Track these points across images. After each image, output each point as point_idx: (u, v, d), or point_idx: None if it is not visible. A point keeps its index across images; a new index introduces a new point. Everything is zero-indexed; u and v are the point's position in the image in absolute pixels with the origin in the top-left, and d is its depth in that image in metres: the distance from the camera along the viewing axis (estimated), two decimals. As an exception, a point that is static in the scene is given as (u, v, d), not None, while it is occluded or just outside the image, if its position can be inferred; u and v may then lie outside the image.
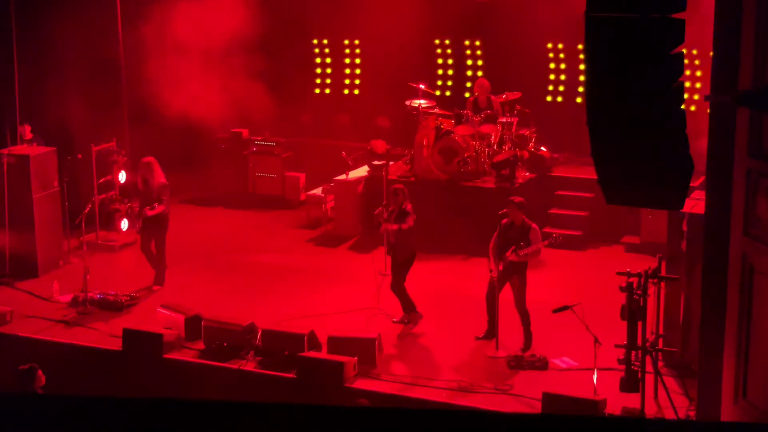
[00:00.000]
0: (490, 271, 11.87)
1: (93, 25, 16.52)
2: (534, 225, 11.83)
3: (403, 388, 10.98)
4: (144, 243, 13.88)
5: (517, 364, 11.27)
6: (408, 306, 12.52)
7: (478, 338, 12.07)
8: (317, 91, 19.45)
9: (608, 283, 11.62)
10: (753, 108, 7.10)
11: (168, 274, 14.06)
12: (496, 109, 16.04)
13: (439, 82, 18.52)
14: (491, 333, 11.97)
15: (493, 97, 16.17)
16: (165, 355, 11.78)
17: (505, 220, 11.79)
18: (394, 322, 12.54)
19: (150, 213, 13.46)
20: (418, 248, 12.65)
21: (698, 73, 16.20)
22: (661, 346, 10.46)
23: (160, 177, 13.62)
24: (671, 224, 11.17)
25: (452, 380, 11.04)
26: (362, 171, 16.50)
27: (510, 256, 11.59)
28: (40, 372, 9.56)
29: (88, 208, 13.86)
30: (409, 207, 12.45)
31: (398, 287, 12.48)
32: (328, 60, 19.35)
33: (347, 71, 19.25)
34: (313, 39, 19.18)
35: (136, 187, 13.98)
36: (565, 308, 10.63)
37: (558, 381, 10.83)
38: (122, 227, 15.70)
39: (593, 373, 10.24)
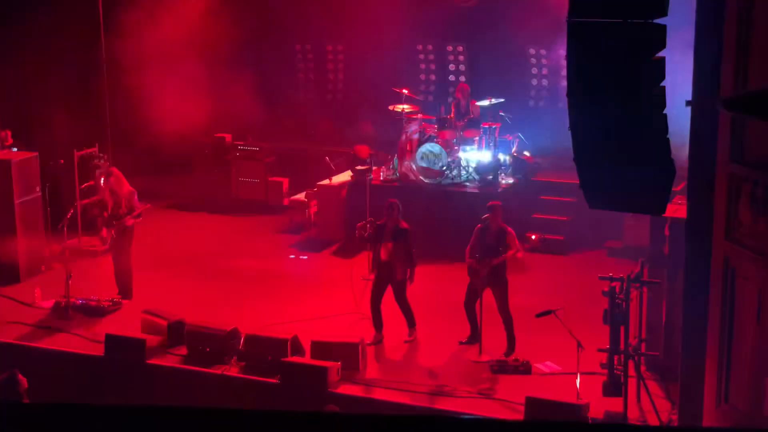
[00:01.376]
0: (469, 273, 11.88)
1: (76, 30, 16.45)
2: (509, 229, 11.84)
3: (387, 393, 10.96)
4: (114, 254, 13.62)
5: (501, 368, 11.28)
6: (411, 320, 12.27)
7: (461, 343, 12.07)
8: (301, 95, 19.43)
9: (591, 287, 11.66)
10: (745, 113, 7.11)
11: (150, 280, 14.00)
12: (475, 114, 16.06)
13: (422, 87, 18.54)
14: (474, 338, 11.99)
15: (473, 101, 16.20)
16: (148, 361, 11.73)
17: (480, 225, 11.83)
18: (406, 342, 12.21)
19: (130, 222, 13.35)
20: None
21: (679, 78, 16.24)
22: (643, 350, 10.49)
23: (126, 185, 13.49)
24: (653, 229, 11.21)
25: (436, 385, 11.05)
26: (345, 176, 16.50)
27: (489, 262, 11.63)
28: (20, 376, 9.49)
29: (70, 214, 13.78)
30: (405, 224, 12.01)
31: (403, 301, 12.12)
32: (312, 65, 19.33)
33: (330, 76, 19.25)
34: (296, 44, 19.16)
35: (103, 201, 13.70)
36: (548, 313, 10.65)
37: (541, 385, 10.84)
38: (105, 234, 15.63)
39: (576, 378, 10.26)
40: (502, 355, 11.67)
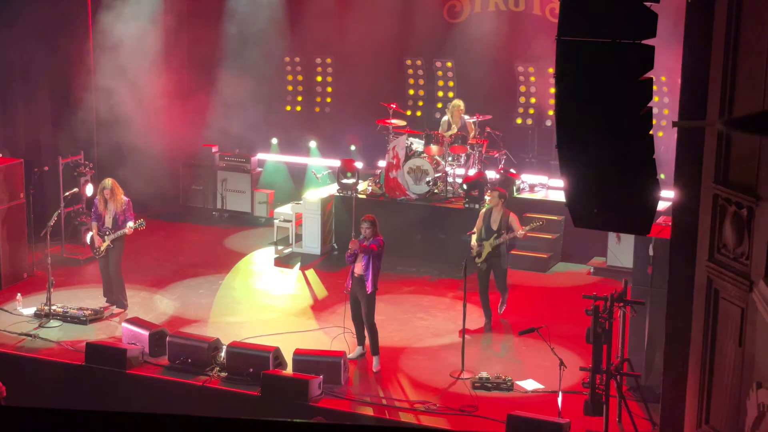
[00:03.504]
0: (477, 257, 12.71)
1: (63, 37, 16.42)
2: (512, 213, 12.87)
3: (368, 408, 10.94)
4: (105, 266, 13.49)
5: (482, 385, 11.28)
6: (375, 347, 11.87)
7: (484, 328, 12.72)
8: (288, 108, 19.44)
9: (574, 306, 11.69)
10: (752, 133, 7.09)
11: (133, 290, 13.95)
12: (468, 130, 16.11)
13: (410, 102, 18.58)
14: (488, 326, 12.87)
15: (466, 118, 16.25)
16: (128, 371, 11.67)
17: (484, 210, 13.00)
18: (350, 357, 11.88)
19: (131, 231, 13.26)
20: (385, 268, 12.52)
21: (666, 100, 16.36)
22: (625, 369, 10.51)
23: (122, 194, 13.40)
24: (637, 248, 11.24)
25: (418, 401, 11.03)
26: (332, 189, 16.50)
27: (491, 243, 12.62)
28: None
29: (53, 221, 13.71)
30: (381, 239, 11.70)
31: (370, 320, 11.81)
32: (300, 78, 19.36)
33: (318, 89, 19.27)
34: (285, 57, 19.18)
35: (96, 210, 13.53)
36: (531, 330, 10.66)
37: (523, 403, 10.84)
38: (87, 240, 15.54)
39: (558, 396, 10.26)
40: (496, 312, 12.90)
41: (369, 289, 11.67)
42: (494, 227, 12.72)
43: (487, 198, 14.49)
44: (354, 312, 11.95)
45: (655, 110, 15.57)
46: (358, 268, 11.72)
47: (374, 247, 11.58)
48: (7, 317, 13.24)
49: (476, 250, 12.80)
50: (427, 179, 15.69)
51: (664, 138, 16.05)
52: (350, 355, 11.89)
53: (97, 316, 13.17)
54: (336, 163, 16.90)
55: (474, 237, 12.91)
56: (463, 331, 11.73)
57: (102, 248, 13.27)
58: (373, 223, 11.78)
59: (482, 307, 12.93)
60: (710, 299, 8.46)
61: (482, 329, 12.89)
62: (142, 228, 13.36)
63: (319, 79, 19.22)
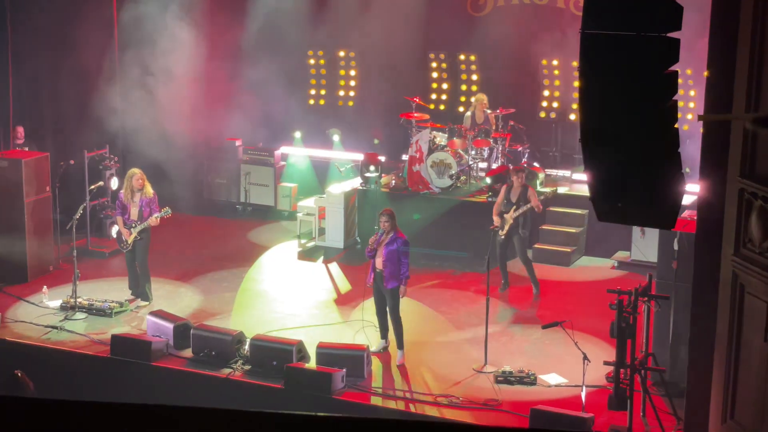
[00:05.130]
0: (498, 230, 13.46)
1: (88, 30, 16.52)
2: (531, 187, 13.78)
3: (391, 401, 10.95)
4: (132, 259, 13.54)
5: (505, 379, 11.26)
6: (400, 340, 11.91)
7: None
8: (311, 102, 19.46)
9: (598, 300, 11.65)
10: None
11: (158, 283, 14.03)
12: (491, 123, 16.09)
13: (434, 96, 18.55)
14: (505, 285, 13.75)
15: (489, 112, 16.23)
16: (153, 363, 11.74)
17: (506, 184, 13.87)
18: (373, 351, 11.89)
19: (157, 221, 13.31)
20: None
21: (692, 93, 16.26)
22: (650, 364, 10.46)
23: (149, 186, 13.45)
24: (662, 243, 11.18)
25: (440, 394, 11.03)
26: (355, 183, 16.51)
27: (511, 215, 13.44)
28: (25, 377, 9.51)
29: (79, 214, 13.80)
30: (401, 234, 11.77)
31: (395, 314, 11.85)
32: (323, 71, 19.37)
33: (342, 83, 19.27)
34: (308, 50, 19.19)
35: (121, 202, 13.51)
36: (554, 324, 10.63)
37: (546, 397, 10.82)
38: (113, 234, 15.63)
39: (581, 390, 10.24)
40: (532, 300, 13.54)
41: (388, 286, 11.66)
42: (513, 200, 13.56)
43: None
44: (378, 306, 11.95)
45: (680, 103, 15.47)
46: (379, 263, 11.73)
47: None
48: (34, 309, 13.35)
49: (498, 223, 13.52)
50: (451, 173, 15.67)
51: (690, 131, 15.95)
52: (373, 348, 11.90)
53: (122, 309, 13.25)
54: (359, 156, 16.91)
55: (495, 210, 13.70)
56: (486, 325, 11.71)
57: (130, 240, 13.33)
58: (392, 216, 11.79)
59: (501, 271, 13.74)
60: (735, 294, 8.40)
61: (505, 327, 12.83)
62: (168, 216, 13.40)
63: (342, 72, 19.22)
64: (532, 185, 14.31)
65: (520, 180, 13.68)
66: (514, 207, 13.51)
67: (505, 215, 13.55)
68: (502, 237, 13.53)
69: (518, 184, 13.66)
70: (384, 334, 12.08)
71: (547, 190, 13.79)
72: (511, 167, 14.56)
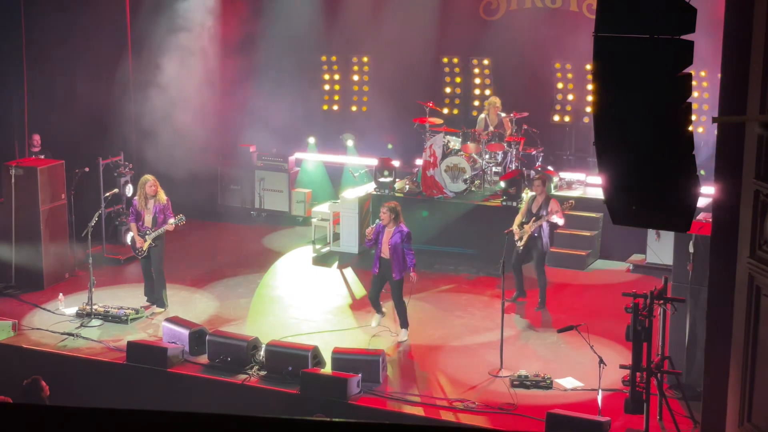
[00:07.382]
0: (517, 240, 13.21)
1: (102, 37, 16.60)
2: (554, 199, 13.39)
3: (407, 406, 10.95)
4: (147, 265, 13.55)
5: (521, 383, 11.24)
6: (404, 321, 12.48)
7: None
8: (325, 107, 19.49)
9: (614, 303, 11.62)
10: None
11: (173, 289, 14.06)
12: (505, 127, 16.08)
13: (447, 101, 18.55)
14: (520, 294, 13.53)
15: (503, 115, 16.22)
16: (169, 369, 11.77)
17: (528, 196, 13.73)
18: (398, 343, 12.33)
19: (172, 228, 13.32)
20: (423, 266, 12.69)
21: (706, 95, 16.21)
22: (666, 367, 10.43)
23: (162, 193, 13.47)
24: (677, 245, 11.14)
25: (456, 399, 11.02)
26: (369, 188, 16.52)
27: (530, 226, 13.20)
28: (43, 383, 9.56)
29: (94, 221, 13.84)
30: (405, 228, 12.33)
31: (399, 301, 12.40)
32: (337, 77, 19.40)
33: (355, 88, 19.29)
34: (321, 56, 19.23)
35: (135, 209, 13.47)
36: (570, 328, 10.61)
37: (562, 401, 10.79)
38: (128, 241, 15.67)
39: (598, 394, 10.21)
40: (535, 308, 13.25)
41: (396, 277, 12.21)
42: (534, 211, 13.31)
43: (525, 194, 14.70)
44: (376, 289, 12.59)
45: (694, 105, 15.42)
46: (386, 252, 12.22)
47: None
48: (49, 317, 13.40)
49: (518, 234, 13.24)
50: (465, 177, 15.67)
51: (704, 134, 15.91)
52: (373, 324, 12.63)
53: (137, 315, 13.29)
54: (373, 161, 16.92)
55: (516, 221, 13.40)
56: (501, 329, 11.70)
57: (144, 248, 13.35)
58: (392, 209, 12.26)
59: (515, 281, 13.51)
60: (751, 296, 8.36)
61: (520, 331, 12.86)
62: (182, 223, 13.43)
63: (355, 78, 19.25)
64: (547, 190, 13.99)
65: (541, 190, 13.38)
66: (534, 218, 13.27)
67: (525, 225, 13.31)
68: (521, 248, 13.28)
69: (540, 194, 13.38)
70: (378, 311, 12.70)
71: (565, 205, 13.32)
72: (534, 176, 14.43)
